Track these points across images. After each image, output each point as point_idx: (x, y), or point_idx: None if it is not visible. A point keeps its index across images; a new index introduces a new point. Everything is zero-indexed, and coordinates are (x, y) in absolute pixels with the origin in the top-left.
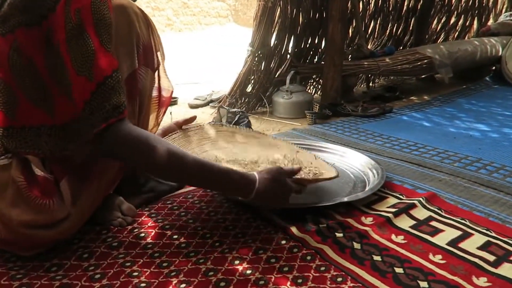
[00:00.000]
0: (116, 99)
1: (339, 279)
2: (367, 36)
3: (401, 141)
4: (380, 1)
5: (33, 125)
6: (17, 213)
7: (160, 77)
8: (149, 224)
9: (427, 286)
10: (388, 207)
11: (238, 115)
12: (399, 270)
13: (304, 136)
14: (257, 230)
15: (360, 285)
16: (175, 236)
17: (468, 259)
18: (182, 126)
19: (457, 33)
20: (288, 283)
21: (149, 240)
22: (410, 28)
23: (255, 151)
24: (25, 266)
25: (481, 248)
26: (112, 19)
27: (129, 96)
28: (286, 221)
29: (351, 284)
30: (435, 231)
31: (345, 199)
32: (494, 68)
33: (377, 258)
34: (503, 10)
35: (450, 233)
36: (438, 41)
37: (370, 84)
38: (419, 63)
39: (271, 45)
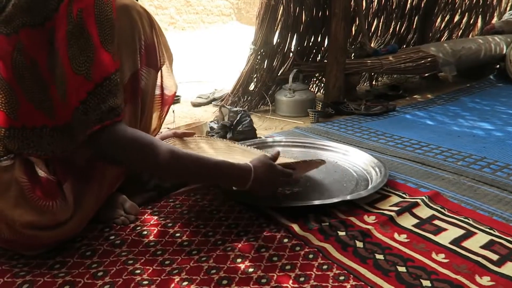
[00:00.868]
0: (113, 101)
1: (342, 278)
2: (370, 34)
3: (404, 140)
4: None
5: (34, 126)
6: (20, 214)
7: (163, 76)
8: (151, 222)
9: (430, 285)
10: (391, 206)
11: (240, 114)
12: (402, 269)
13: (306, 134)
14: (260, 229)
15: (363, 283)
16: (178, 234)
17: (471, 258)
18: (181, 137)
19: (461, 31)
20: (290, 281)
21: (151, 238)
22: (414, 26)
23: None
24: (28, 264)
25: (484, 247)
26: (115, 20)
27: (132, 96)
28: (288, 219)
29: (354, 283)
30: (438, 230)
31: (348, 198)
32: (498, 66)
33: (379, 256)
34: (508, 8)
35: (453, 232)
36: (442, 39)
37: (373, 83)
38: (422, 61)
39: (274, 43)
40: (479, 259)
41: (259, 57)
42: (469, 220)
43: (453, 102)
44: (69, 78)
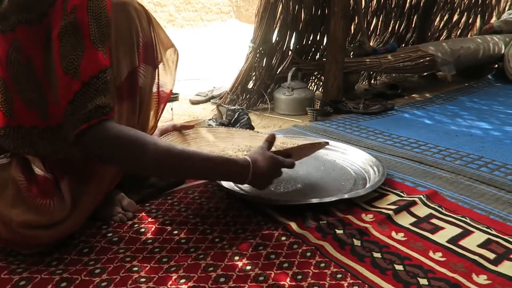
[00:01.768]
0: (100, 100)
1: (339, 276)
2: (369, 33)
3: (402, 139)
4: None
5: (30, 126)
6: (17, 213)
7: (159, 73)
8: (149, 220)
9: (427, 283)
10: (388, 204)
11: (238, 113)
12: (399, 267)
13: (305, 133)
14: (257, 226)
15: (360, 282)
16: (175, 232)
17: (468, 256)
18: (180, 130)
19: (459, 30)
20: (288, 279)
21: (149, 235)
22: (413, 25)
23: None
24: (25, 261)
25: (481, 246)
26: (111, 18)
27: (130, 94)
28: (286, 217)
29: (351, 281)
30: (436, 229)
31: (346, 196)
32: (496, 66)
33: (377, 255)
34: (506, 8)
35: (450, 231)
36: (441, 39)
37: (372, 82)
38: (421, 60)
39: (273, 41)
40: (476, 257)
41: (258, 55)
42: (466, 219)
43: (452, 102)
44: (59, 78)
